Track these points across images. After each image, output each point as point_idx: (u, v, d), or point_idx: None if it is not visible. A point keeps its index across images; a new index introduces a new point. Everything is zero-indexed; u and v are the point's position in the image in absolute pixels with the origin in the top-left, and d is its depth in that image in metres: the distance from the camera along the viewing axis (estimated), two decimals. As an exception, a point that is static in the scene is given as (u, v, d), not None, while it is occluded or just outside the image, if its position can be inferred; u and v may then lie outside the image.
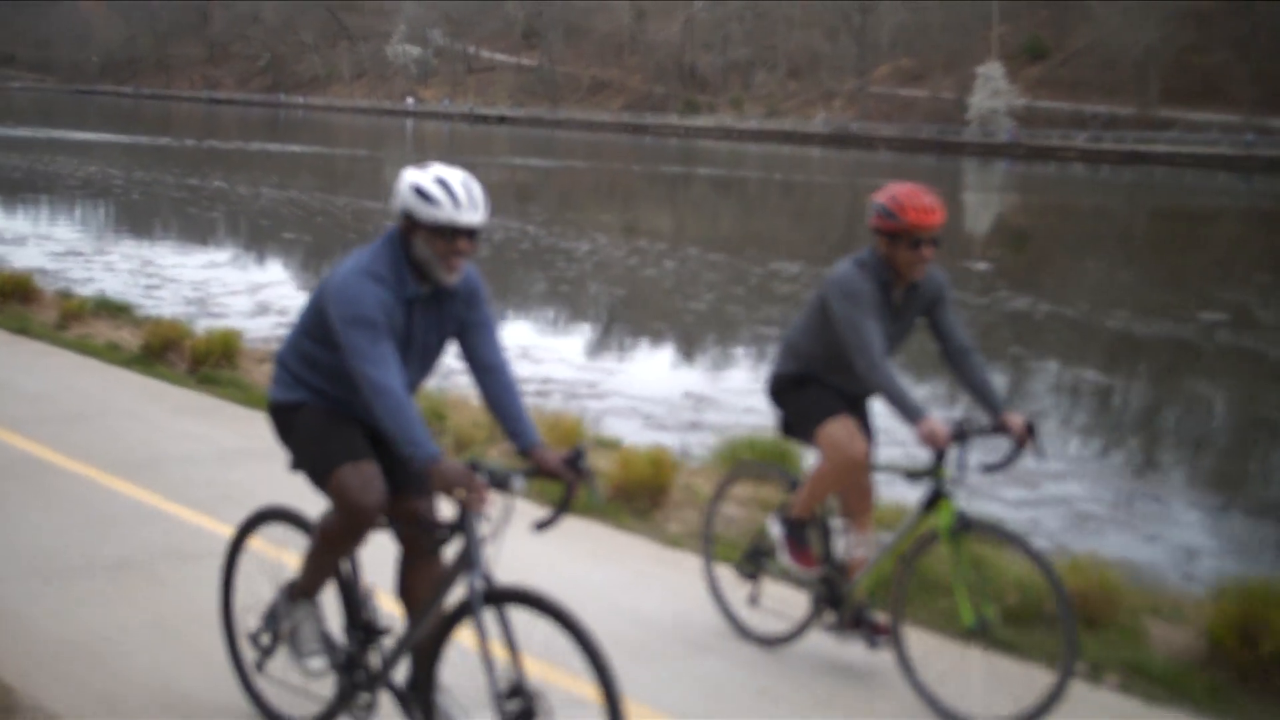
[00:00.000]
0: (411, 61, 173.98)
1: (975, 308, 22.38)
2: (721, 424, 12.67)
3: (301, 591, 4.98)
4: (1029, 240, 41.78)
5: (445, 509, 4.90)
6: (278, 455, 8.90)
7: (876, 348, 5.53)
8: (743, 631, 6.41)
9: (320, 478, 4.72)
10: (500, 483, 4.33)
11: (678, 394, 14.70)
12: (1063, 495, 10.91)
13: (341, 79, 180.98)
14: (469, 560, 4.42)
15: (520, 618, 4.43)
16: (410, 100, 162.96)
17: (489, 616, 4.39)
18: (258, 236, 31.13)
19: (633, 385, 15.20)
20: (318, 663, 4.94)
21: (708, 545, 6.79)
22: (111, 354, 13.01)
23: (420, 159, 61.48)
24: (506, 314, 20.94)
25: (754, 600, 6.43)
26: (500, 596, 4.38)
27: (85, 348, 13.25)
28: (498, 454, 9.72)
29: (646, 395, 14.64)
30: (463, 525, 4.43)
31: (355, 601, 4.96)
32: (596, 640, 4.16)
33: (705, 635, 6.37)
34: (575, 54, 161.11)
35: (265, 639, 5.25)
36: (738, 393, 15.03)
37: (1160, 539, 9.78)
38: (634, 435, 11.73)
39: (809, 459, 11.40)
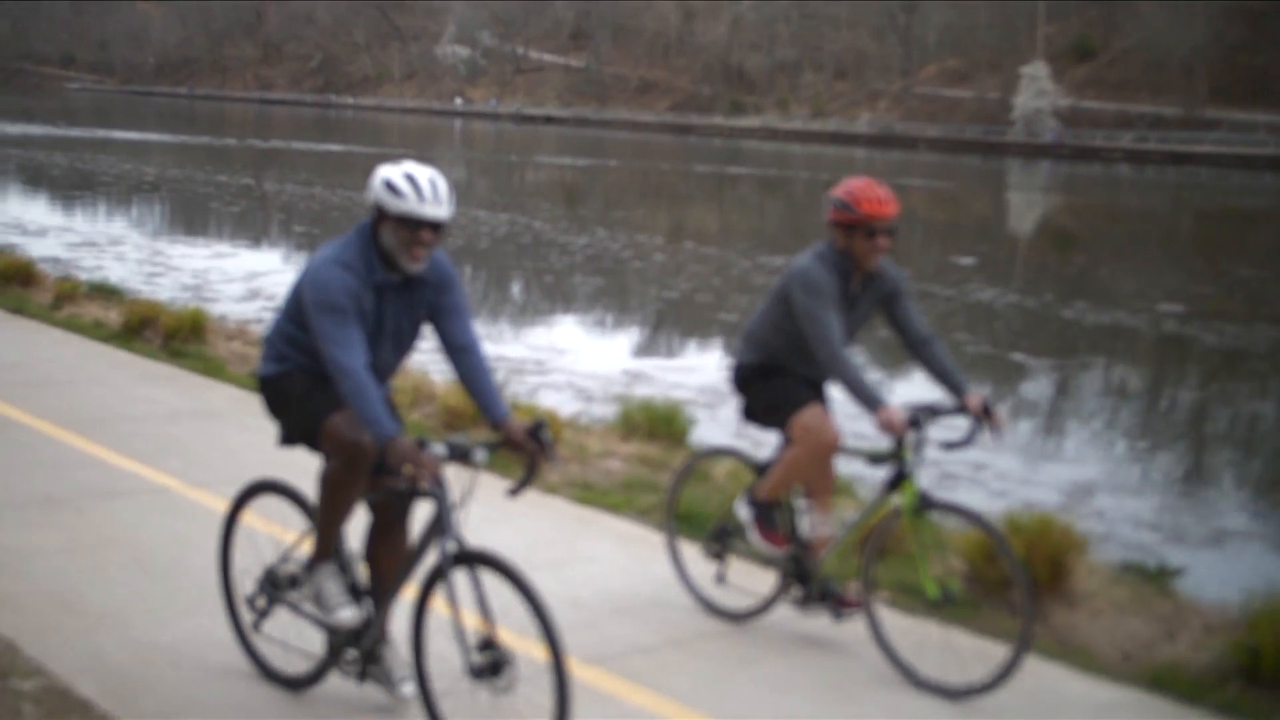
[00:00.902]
0: (460, 62, 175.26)
1: (941, 298, 23.11)
2: (646, 397, 13.66)
3: (319, 555, 5.21)
4: (1030, 237, 42.21)
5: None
6: (220, 415, 10.17)
7: (837, 339, 5.79)
8: (710, 608, 6.65)
9: (313, 433, 5.03)
10: (463, 455, 4.71)
11: (617, 371, 15.67)
12: (935, 458, 11.73)
13: (392, 79, 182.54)
14: (441, 526, 4.78)
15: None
16: (458, 100, 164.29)
17: (461, 577, 4.76)
18: (269, 229, 32.15)
19: (578, 363, 16.15)
20: (348, 613, 5.11)
21: (671, 525, 6.98)
22: (95, 330, 14.05)
23: (463, 157, 62.06)
24: (482, 299, 21.99)
25: (720, 579, 6.66)
26: (470, 559, 4.72)
27: (72, 325, 14.31)
28: (420, 417, 10.69)
29: (587, 372, 15.58)
30: (435, 494, 4.77)
31: (342, 565, 5.27)
32: (545, 602, 4.53)
33: (545, 561, 7.07)
34: (623, 54, 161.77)
35: (261, 602, 5.58)
36: (673, 370, 16.06)
37: (1007, 494, 10.67)
38: (559, 405, 12.71)
39: (701, 425, 12.46)
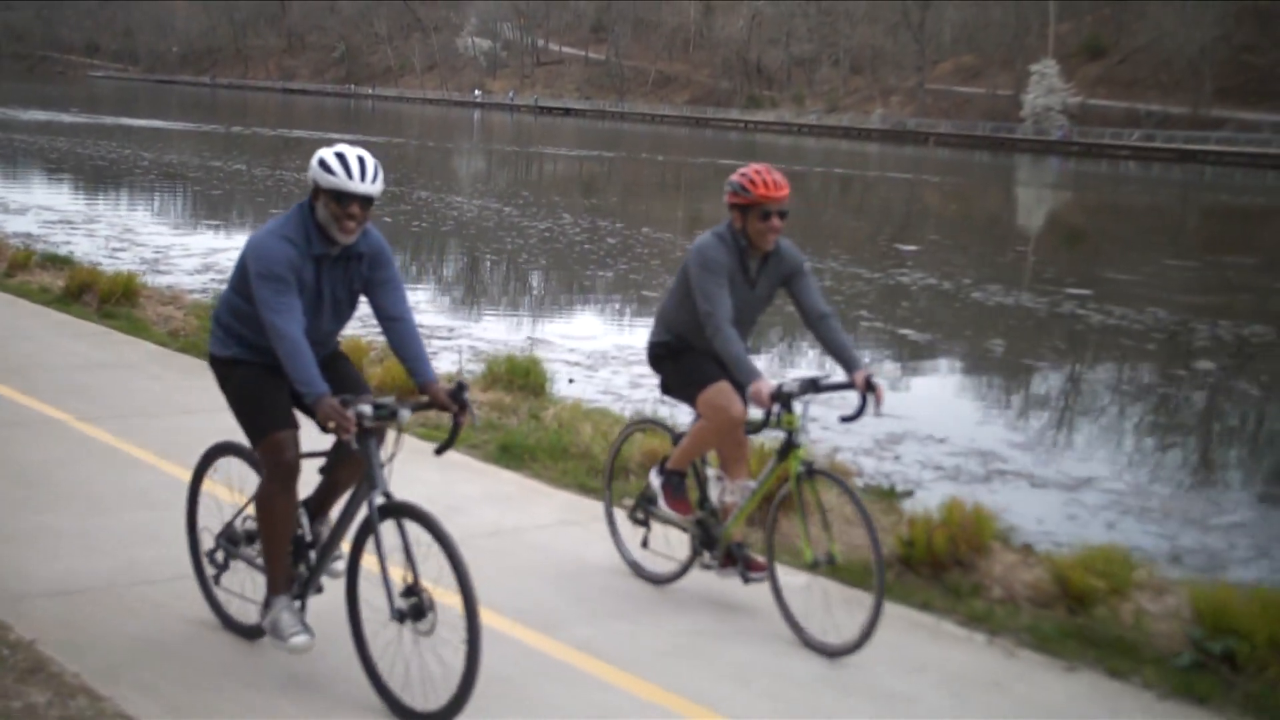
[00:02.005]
0: (481, 54, 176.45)
1: (863, 279, 24.24)
2: (521, 355, 14.89)
3: (273, 589, 5.53)
4: (991, 228, 42.79)
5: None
6: (131, 366, 11.45)
7: (722, 314, 6.11)
8: (637, 572, 7.07)
9: (254, 439, 5.47)
10: (390, 415, 5.09)
11: (521, 337, 16.80)
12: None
13: (413, 70, 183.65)
14: (370, 480, 5.18)
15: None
16: (477, 92, 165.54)
17: (388, 527, 5.10)
18: (244, 211, 33.06)
19: (487, 331, 17.22)
20: (300, 639, 5.38)
21: (608, 493, 7.41)
22: (39, 295, 15.23)
23: (466, 147, 61.95)
24: (419, 274, 23.26)
25: (645, 544, 7.04)
26: (395, 510, 5.11)
27: (20, 290, 15.49)
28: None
29: (492, 338, 16.63)
30: (362, 450, 5.17)
31: (298, 595, 5.61)
32: (460, 552, 4.97)
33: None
34: (642, 48, 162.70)
35: (219, 556, 6.00)
36: (573, 338, 17.21)
37: (822, 441, 11.77)
38: (451, 365, 13.92)
39: (579, 384, 13.70)
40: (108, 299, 14.79)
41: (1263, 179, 78.15)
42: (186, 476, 8.08)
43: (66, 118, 75.94)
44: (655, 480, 6.82)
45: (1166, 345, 18.79)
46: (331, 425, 4.95)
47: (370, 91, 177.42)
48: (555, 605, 6.54)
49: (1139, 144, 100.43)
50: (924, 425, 12.80)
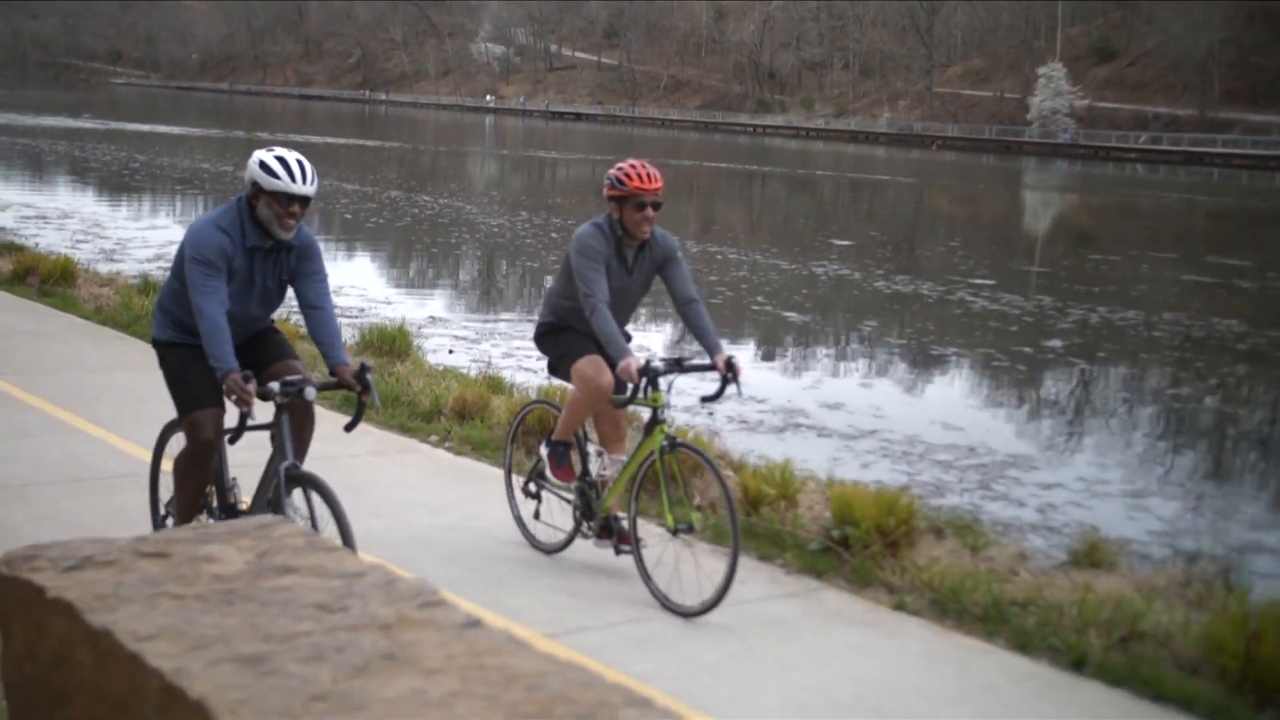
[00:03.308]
0: (495, 59, 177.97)
1: (781, 270, 25.50)
2: (431, 334, 16.44)
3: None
4: (938, 226, 43.42)
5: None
6: (49, 335, 13.15)
7: (599, 296, 6.51)
8: (532, 542, 7.47)
9: (179, 415, 5.99)
10: (298, 392, 5.59)
11: (424, 317, 18.18)
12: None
13: (428, 76, 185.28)
14: (281, 452, 5.69)
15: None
16: (489, 97, 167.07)
17: (296, 494, 5.64)
18: (214, 208, 34.54)
19: (394, 311, 18.29)
20: None
21: (508, 468, 7.84)
22: (-13, 277, 17.01)
23: (484, 151, 62.70)
24: (356, 264, 24.75)
25: (537, 515, 7.44)
26: (301, 479, 5.61)
27: (-30, 273, 17.25)
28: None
29: (396, 317, 17.71)
30: (277, 425, 5.68)
31: (223, 487, 6.13)
32: (347, 515, 5.55)
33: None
34: (655, 53, 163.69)
35: (169, 524, 6.41)
36: (473, 320, 18.79)
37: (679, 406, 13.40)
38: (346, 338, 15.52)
39: (457, 354, 15.26)
40: (48, 280, 16.35)
41: (1270, 181, 78.42)
42: (69, 418, 9.75)
43: (75, 123, 77.51)
44: (543, 450, 7.24)
45: (1031, 327, 19.93)
46: (234, 398, 5.43)
47: (384, 97, 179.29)
48: (336, 510, 8.05)
49: (1146, 146, 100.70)
50: (750, 388, 14.13)
